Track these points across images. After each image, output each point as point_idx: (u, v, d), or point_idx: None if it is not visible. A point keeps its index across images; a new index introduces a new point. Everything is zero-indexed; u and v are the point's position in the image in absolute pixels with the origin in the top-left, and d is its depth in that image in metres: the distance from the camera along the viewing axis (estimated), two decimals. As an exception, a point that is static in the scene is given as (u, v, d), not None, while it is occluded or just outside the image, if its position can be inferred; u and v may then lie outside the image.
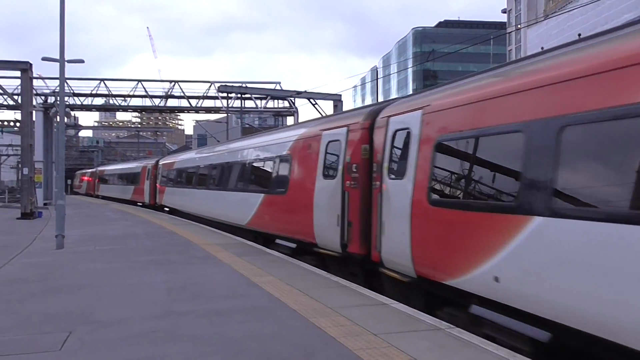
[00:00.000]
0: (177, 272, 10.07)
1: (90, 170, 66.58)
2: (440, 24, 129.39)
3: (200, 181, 21.54)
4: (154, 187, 30.70)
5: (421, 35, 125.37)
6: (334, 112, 34.13)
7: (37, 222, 22.88)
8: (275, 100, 39.56)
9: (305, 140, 12.32)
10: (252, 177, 16.08)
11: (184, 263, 11.19)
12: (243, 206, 15.98)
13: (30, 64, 24.37)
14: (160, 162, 30.23)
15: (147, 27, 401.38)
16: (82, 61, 24.05)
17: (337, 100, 34.35)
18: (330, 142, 10.82)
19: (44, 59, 23.78)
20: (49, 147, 36.85)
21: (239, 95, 33.48)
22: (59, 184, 14.91)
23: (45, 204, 34.28)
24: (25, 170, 24.44)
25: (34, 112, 26.96)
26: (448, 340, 5.64)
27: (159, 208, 29.94)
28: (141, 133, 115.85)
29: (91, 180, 61.00)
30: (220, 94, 33.53)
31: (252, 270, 10.14)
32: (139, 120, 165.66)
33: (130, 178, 38.12)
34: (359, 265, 9.85)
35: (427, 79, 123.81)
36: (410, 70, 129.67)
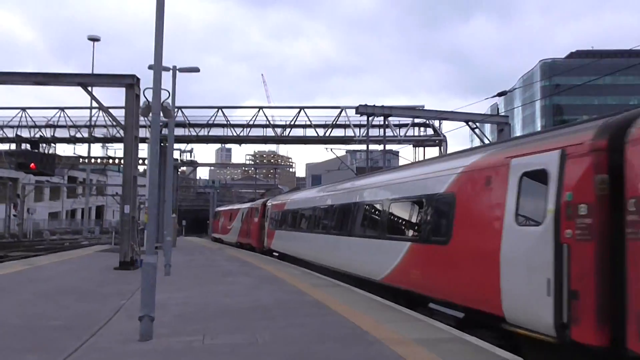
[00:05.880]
0: None
1: (248, 204, 38.70)
2: (572, 55, 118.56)
3: None
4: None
5: (550, 68, 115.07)
6: (499, 138, 27.03)
7: (137, 274, 17.72)
8: (416, 129, 33.23)
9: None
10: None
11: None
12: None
13: (138, 79, 19.86)
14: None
15: (262, 74, 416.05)
16: (197, 69, 19.33)
17: (503, 123, 27.22)
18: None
19: (150, 67, 19.39)
20: (162, 184, 32.80)
21: (378, 122, 27.43)
22: (150, 228, 9.35)
23: (155, 248, 29.91)
24: (127, 209, 19.67)
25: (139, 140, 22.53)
26: None
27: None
28: (253, 175, 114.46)
29: (254, 222, 33.20)
30: (355, 118, 27.86)
31: None
32: (252, 162, 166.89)
33: (375, 217, 14.06)
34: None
35: (557, 115, 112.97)
36: (538, 106, 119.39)
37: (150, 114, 9.35)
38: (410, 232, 11.68)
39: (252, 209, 34.75)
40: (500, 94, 17.57)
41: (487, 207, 8.69)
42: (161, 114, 10.19)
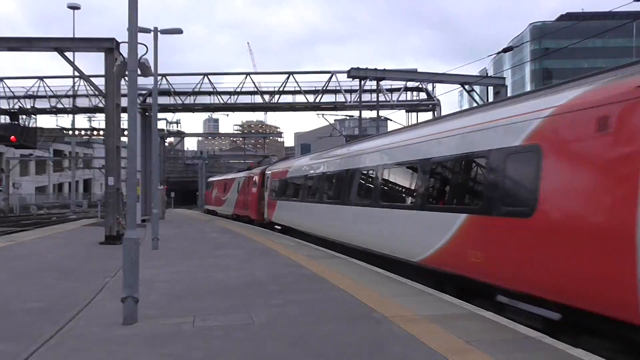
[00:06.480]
0: None
1: (244, 172, 35.24)
2: (562, 17, 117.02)
3: None
4: None
5: (540, 31, 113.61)
6: (495, 99, 26.19)
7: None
8: (408, 94, 32.32)
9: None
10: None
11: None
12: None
13: (117, 43, 18.69)
14: None
15: (248, 43, 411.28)
16: (180, 31, 18.22)
17: (499, 85, 26.47)
18: None
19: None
20: (147, 155, 31.78)
21: (370, 87, 26.51)
22: (131, 199, 8.48)
23: (143, 221, 29.09)
24: (111, 181, 18.75)
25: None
26: None
27: None
28: (242, 145, 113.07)
29: (252, 192, 30.17)
30: (345, 83, 26.90)
31: None
32: (240, 131, 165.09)
33: (410, 183, 11.31)
34: None
35: (547, 79, 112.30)
36: (527, 70, 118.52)
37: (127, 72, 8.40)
38: (466, 200, 8.90)
39: (249, 178, 31.52)
40: (505, 50, 16.73)
41: (602, 164, 6.06)
42: (140, 73, 9.21)
